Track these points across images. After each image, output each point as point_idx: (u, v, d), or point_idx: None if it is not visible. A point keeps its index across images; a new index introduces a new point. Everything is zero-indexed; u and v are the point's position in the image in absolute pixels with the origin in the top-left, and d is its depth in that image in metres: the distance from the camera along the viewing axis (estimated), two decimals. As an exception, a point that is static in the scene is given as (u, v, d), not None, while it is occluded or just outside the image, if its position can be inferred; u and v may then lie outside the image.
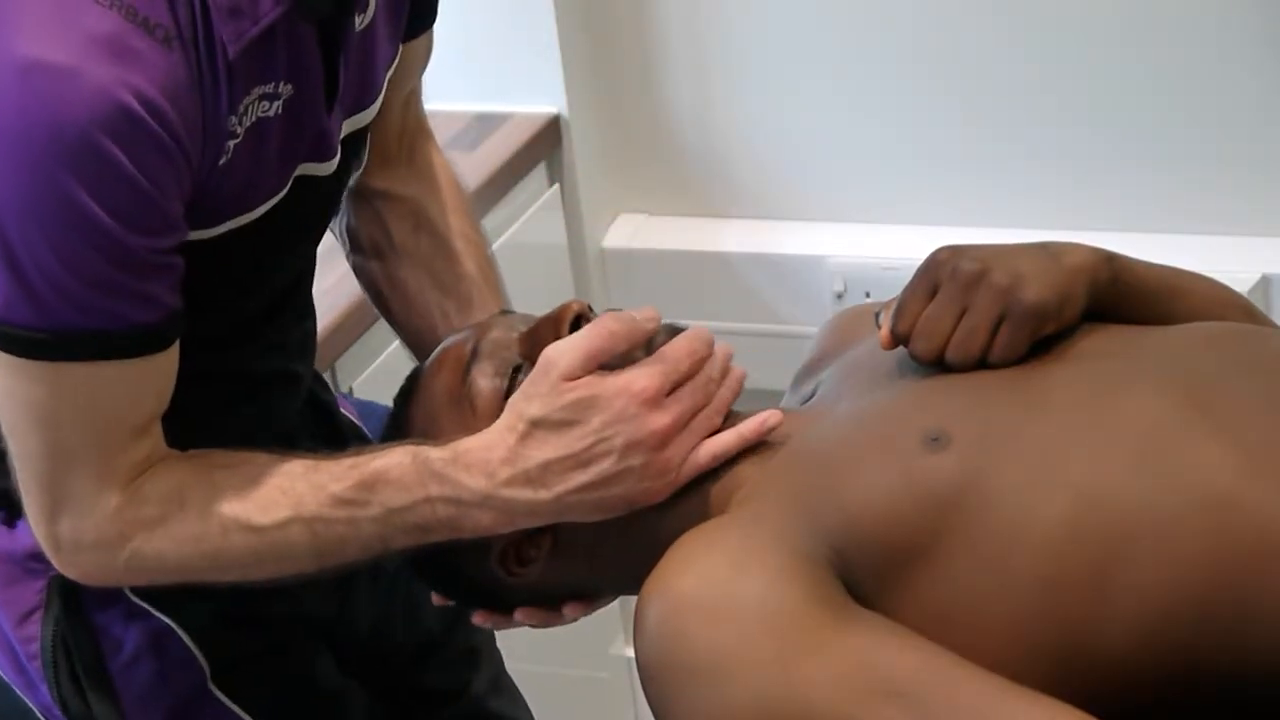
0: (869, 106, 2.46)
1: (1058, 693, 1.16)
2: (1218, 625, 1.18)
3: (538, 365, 1.32)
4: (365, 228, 1.63)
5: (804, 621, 1.19)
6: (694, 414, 1.32)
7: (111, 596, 1.47)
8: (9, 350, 1.25)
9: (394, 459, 1.33)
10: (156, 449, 1.34)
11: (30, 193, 1.19)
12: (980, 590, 1.21)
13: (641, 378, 1.31)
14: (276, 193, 1.35)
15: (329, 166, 1.39)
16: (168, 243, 1.26)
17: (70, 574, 1.36)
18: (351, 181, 1.60)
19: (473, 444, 1.32)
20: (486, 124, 2.45)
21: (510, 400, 1.33)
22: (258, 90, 1.29)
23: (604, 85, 2.56)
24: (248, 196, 1.33)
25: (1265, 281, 2.29)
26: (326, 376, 2.03)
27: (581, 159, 2.55)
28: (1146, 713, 1.20)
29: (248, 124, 1.29)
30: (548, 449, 1.30)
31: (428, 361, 1.43)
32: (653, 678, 1.22)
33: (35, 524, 1.33)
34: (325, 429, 1.65)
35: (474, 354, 1.38)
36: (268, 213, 1.35)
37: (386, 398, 1.48)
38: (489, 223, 2.34)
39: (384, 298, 1.64)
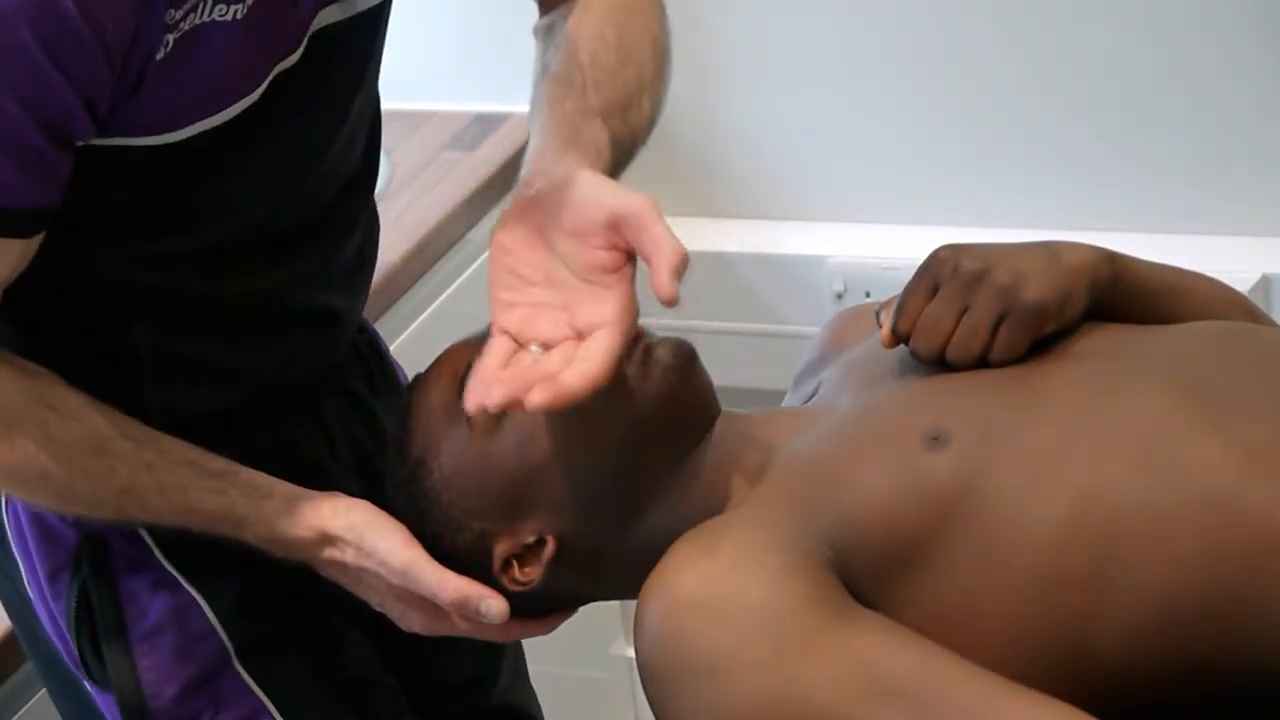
0: (869, 106, 2.46)
1: (1057, 692, 1.17)
2: (1217, 625, 1.18)
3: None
4: (539, 63, 1.52)
5: (804, 621, 1.19)
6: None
7: (142, 563, 1.48)
8: None
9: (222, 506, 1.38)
10: None
11: None
12: (980, 589, 1.21)
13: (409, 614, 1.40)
14: (249, 94, 1.33)
15: (293, 58, 1.36)
16: (56, 127, 1.24)
17: None
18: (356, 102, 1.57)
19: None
20: (486, 124, 2.45)
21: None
22: None
23: (604, 85, 2.56)
24: (208, 97, 1.31)
25: (1265, 281, 2.29)
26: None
27: (581, 159, 2.54)
28: (1146, 712, 1.20)
29: (197, 21, 1.27)
30: (332, 567, 1.40)
31: (425, 370, 1.43)
32: (653, 678, 1.22)
33: None
34: (384, 377, 1.65)
35: (470, 368, 1.37)
36: (243, 115, 1.33)
37: (422, 363, 1.47)
38: (489, 223, 2.34)
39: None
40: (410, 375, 1.48)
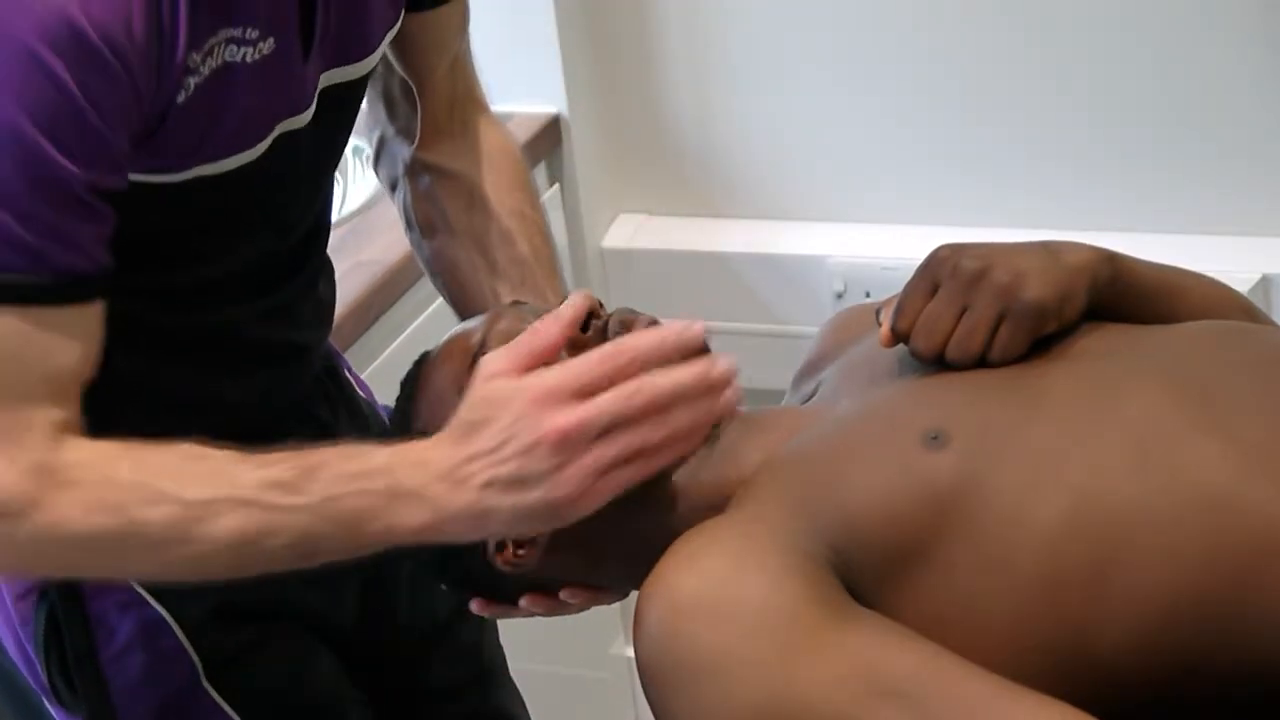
0: (869, 106, 2.46)
1: (1057, 692, 1.16)
2: (1217, 625, 1.18)
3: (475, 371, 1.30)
4: (419, 205, 1.63)
5: (804, 621, 1.19)
6: (615, 418, 1.23)
7: (109, 583, 1.46)
8: None
9: (334, 452, 1.27)
10: (73, 420, 1.25)
11: None
12: (980, 589, 1.21)
13: (546, 376, 1.25)
14: (252, 147, 1.33)
15: (304, 118, 1.38)
16: (104, 179, 1.22)
17: None
18: (370, 143, 1.61)
19: (410, 445, 1.27)
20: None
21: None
22: (225, 32, 1.27)
23: (604, 85, 2.56)
24: (217, 143, 1.31)
25: (1265, 281, 2.29)
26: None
27: (581, 159, 2.55)
28: (1146, 712, 1.20)
29: (213, 65, 1.27)
30: (467, 446, 1.24)
31: (434, 350, 1.43)
32: (653, 678, 1.22)
33: None
34: (344, 402, 1.65)
35: (481, 345, 1.38)
36: (244, 168, 1.33)
37: (387, 397, 1.48)
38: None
39: (438, 277, 1.63)
40: (382, 399, 1.48)
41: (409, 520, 1.24)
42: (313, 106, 1.39)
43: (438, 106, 1.60)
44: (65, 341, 1.24)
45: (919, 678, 1.16)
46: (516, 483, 1.23)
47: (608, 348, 1.26)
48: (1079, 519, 1.20)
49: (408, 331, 2.17)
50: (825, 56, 2.45)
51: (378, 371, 2.08)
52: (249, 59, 1.29)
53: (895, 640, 1.19)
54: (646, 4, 2.50)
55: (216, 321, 1.44)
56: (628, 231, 2.63)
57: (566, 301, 1.33)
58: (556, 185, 2.55)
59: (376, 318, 2.10)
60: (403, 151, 1.63)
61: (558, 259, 1.64)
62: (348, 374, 1.71)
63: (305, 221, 1.51)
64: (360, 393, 1.71)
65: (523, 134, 2.45)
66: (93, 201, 1.22)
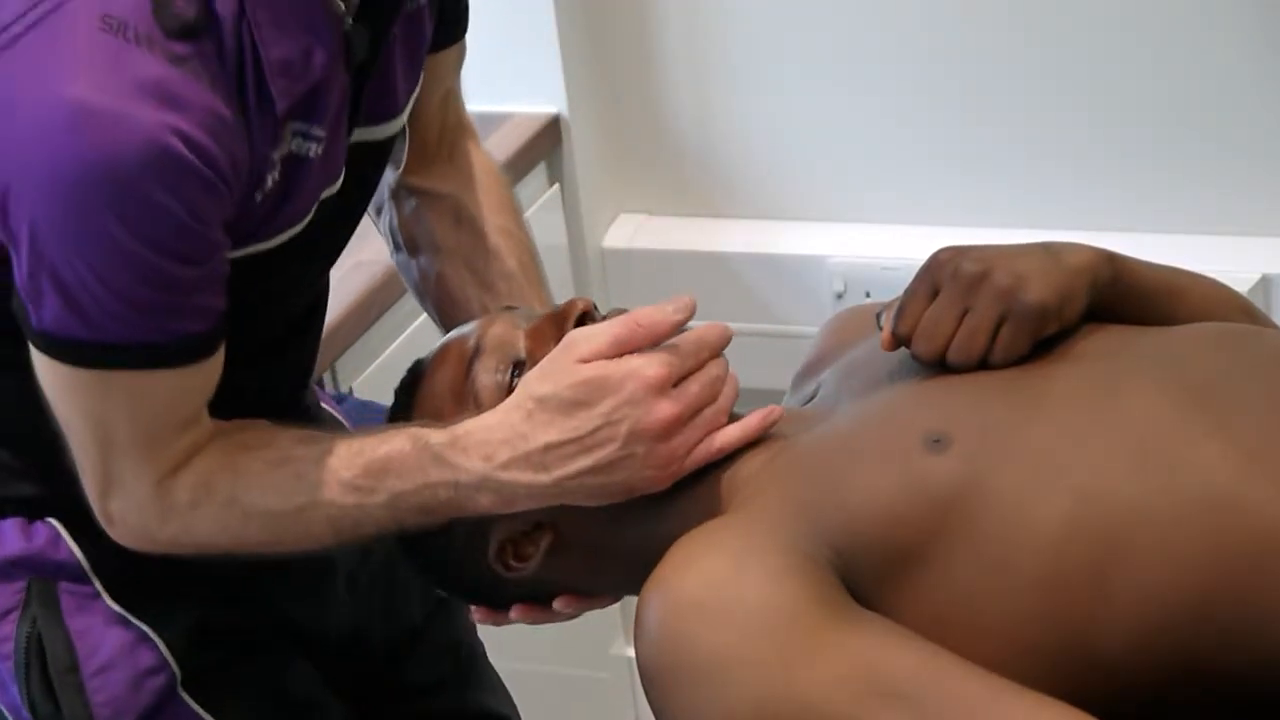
0: (868, 106, 2.46)
1: (1057, 693, 1.17)
2: (1218, 625, 1.18)
3: (560, 344, 1.32)
4: (406, 226, 1.64)
5: (805, 622, 1.19)
6: (700, 407, 1.31)
7: (91, 604, 1.48)
8: (59, 359, 1.28)
9: (396, 445, 1.33)
10: (203, 433, 1.36)
11: (76, 232, 1.22)
12: (980, 591, 1.21)
13: (651, 365, 1.30)
14: (300, 222, 1.37)
15: (337, 185, 1.40)
16: (213, 263, 1.28)
17: (124, 544, 1.39)
18: (385, 197, 1.62)
19: (473, 425, 1.32)
20: (486, 124, 2.44)
21: (524, 377, 1.33)
22: (294, 125, 1.31)
23: (604, 85, 2.56)
24: (273, 225, 1.35)
25: (1265, 281, 2.29)
26: (326, 377, 2.03)
27: (581, 159, 2.55)
28: (1146, 712, 1.20)
29: (282, 155, 1.31)
30: (552, 431, 1.29)
31: (429, 355, 1.43)
32: (653, 679, 1.22)
33: (90, 498, 1.37)
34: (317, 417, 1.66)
35: (476, 349, 1.38)
36: (289, 241, 1.37)
37: (387, 397, 1.48)
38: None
39: (426, 295, 1.65)
40: (381, 400, 1.48)
41: (478, 503, 1.32)
42: (343, 173, 1.41)
43: (427, 135, 1.62)
44: (192, 386, 1.33)
45: (919, 678, 1.16)
46: (608, 467, 1.29)
47: (690, 341, 1.33)
48: (1080, 520, 1.20)
49: (407, 331, 2.17)
50: (825, 56, 2.45)
51: (377, 372, 2.08)
52: (312, 154, 1.33)
53: (895, 641, 1.19)
54: (646, 4, 2.50)
55: (237, 379, 1.45)
56: (628, 231, 2.63)
57: (682, 304, 1.37)
58: (556, 185, 2.55)
59: (376, 318, 2.10)
60: (388, 177, 1.64)
61: (545, 277, 1.65)
62: (324, 404, 1.73)
63: (324, 279, 1.55)
64: (328, 408, 1.72)
65: (523, 134, 2.45)
66: (206, 281, 1.29)
